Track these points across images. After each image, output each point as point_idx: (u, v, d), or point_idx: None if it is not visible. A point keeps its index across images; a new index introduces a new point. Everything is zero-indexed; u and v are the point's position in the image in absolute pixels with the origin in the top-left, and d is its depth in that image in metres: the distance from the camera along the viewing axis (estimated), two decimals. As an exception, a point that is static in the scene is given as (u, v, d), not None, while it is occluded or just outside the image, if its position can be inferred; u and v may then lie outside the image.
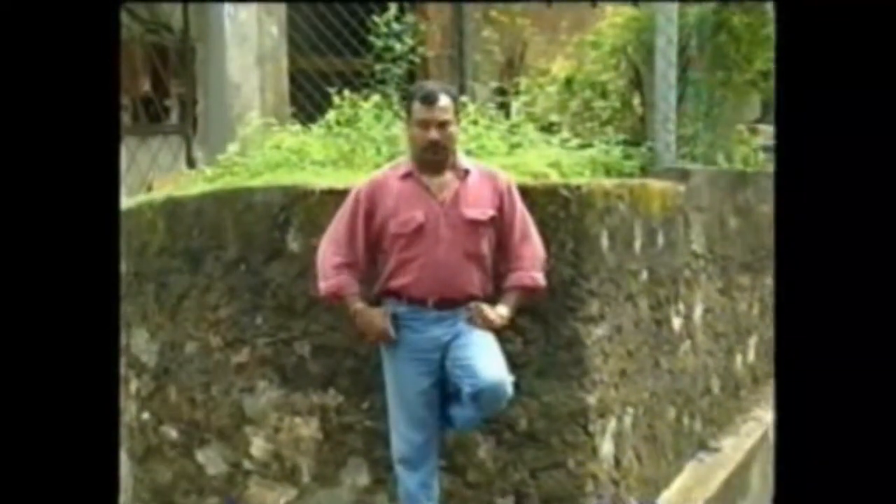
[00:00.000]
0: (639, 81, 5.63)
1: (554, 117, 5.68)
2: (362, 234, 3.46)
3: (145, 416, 4.17)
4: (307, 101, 6.08)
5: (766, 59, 5.60)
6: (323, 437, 3.86)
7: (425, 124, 3.40)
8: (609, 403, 3.96)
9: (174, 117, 7.33)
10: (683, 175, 4.91)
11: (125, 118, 6.94)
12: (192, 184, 4.64)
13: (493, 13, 7.49)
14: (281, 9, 7.10)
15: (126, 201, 4.29)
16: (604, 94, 5.75)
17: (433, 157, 3.43)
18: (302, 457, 3.88)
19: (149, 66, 7.09)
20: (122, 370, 4.20)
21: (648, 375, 4.39)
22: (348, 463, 3.85)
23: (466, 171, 3.48)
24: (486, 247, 3.46)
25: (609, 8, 6.07)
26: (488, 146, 4.49)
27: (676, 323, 4.72)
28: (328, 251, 3.51)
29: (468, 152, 3.93)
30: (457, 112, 3.51)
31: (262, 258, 3.88)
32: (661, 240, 4.51)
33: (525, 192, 3.64)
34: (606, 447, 3.93)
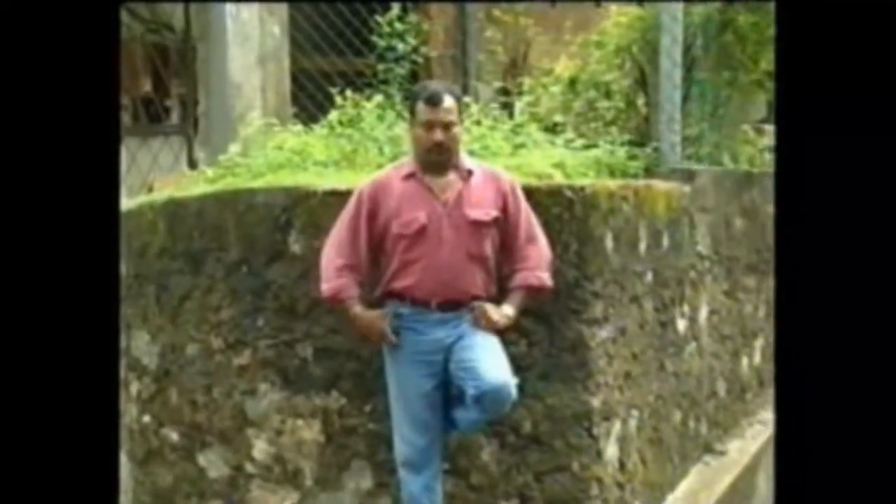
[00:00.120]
0: (643, 81, 5.62)
1: (558, 117, 5.67)
2: (365, 235, 3.46)
3: (146, 418, 4.18)
4: (309, 102, 6.09)
5: (771, 59, 5.58)
6: (325, 440, 3.86)
7: (430, 125, 3.39)
8: (613, 406, 3.95)
9: (175, 117, 7.34)
10: (688, 176, 4.90)
11: (125, 118, 6.95)
12: (193, 185, 4.64)
13: (497, 13, 7.49)
14: (283, 8, 7.10)
15: (127, 202, 4.29)
16: (608, 95, 5.74)
17: (437, 159, 3.43)
18: (304, 460, 3.88)
19: (149, 66, 7.10)
20: (123, 372, 4.20)
21: (653, 378, 4.39)
22: (351, 466, 3.85)
23: (470, 172, 3.48)
24: (489, 248, 3.46)
25: (613, 7, 6.07)
26: (492, 146, 4.48)
27: (681, 325, 4.71)
28: (330, 253, 3.51)
29: (471, 153, 3.93)
30: (460, 112, 3.51)
31: (264, 260, 3.88)
32: (665, 241, 4.51)
33: (529, 192, 3.63)
34: (611, 450, 3.93)
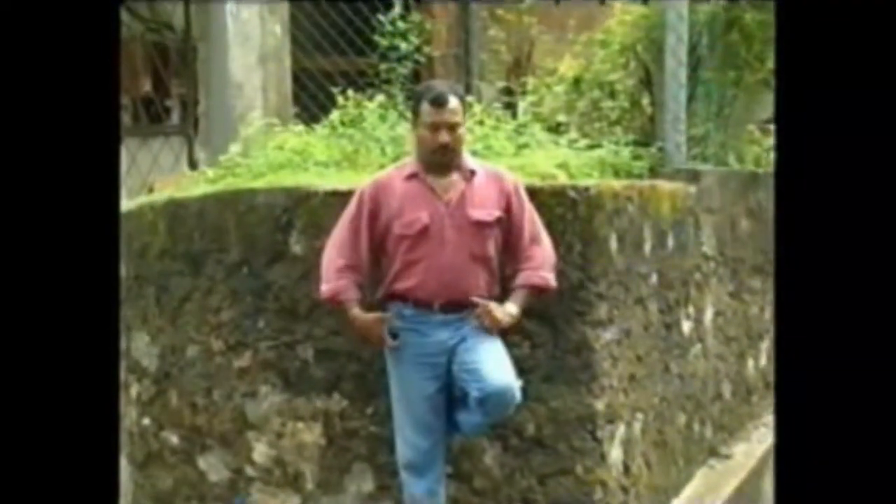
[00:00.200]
0: (648, 81, 5.62)
1: (562, 117, 5.67)
2: (366, 235, 3.46)
3: (146, 421, 4.18)
4: (310, 101, 6.09)
5: (778, 58, 5.59)
6: (326, 443, 3.86)
7: (435, 127, 3.39)
8: (618, 409, 3.95)
9: (175, 118, 7.34)
10: (694, 176, 4.90)
11: (125, 118, 6.95)
12: (193, 185, 4.64)
13: (500, 12, 7.49)
14: (284, 7, 7.11)
15: (127, 203, 4.29)
16: (612, 94, 5.74)
17: (442, 160, 3.43)
18: (305, 463, 3.88)
19: (150, 66, 7.10)
20: (123, 374, 4.20)
21: (658, 380, 4.38)
22: (352, 469, 3.85)
23: (473, 172, 3.48)
24: (492, 248, 3.46)
25: (618, 6, 6.06)
26: (495, 147, 4.48)
27: (687, 327, 4.71)
28: (331, 253, 3.51)
29: (474, 153, 3.93)
30: (464, 112, 3.52)
31: (265, 261, 3.88)
32: (671, 242, 4.51)
33: (532, 193, 3.63)
34: (615, 453, 3.93)
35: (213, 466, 4.01)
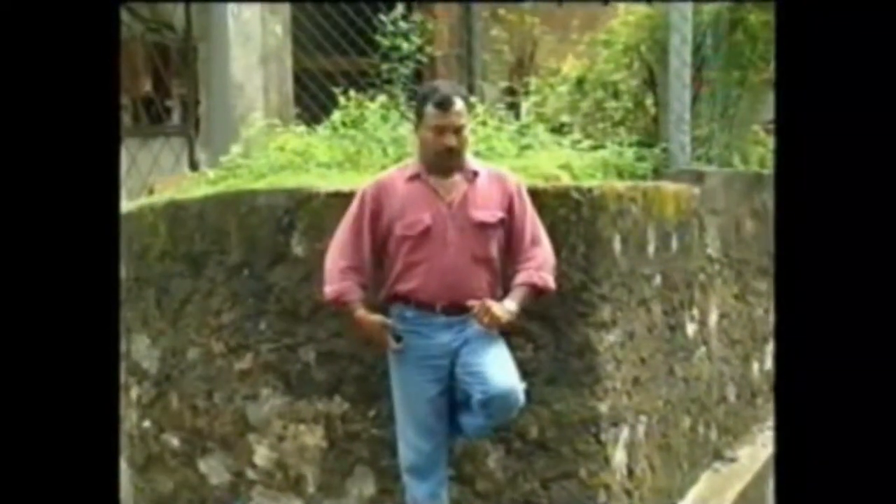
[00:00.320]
0: (652, 81, 5.62)
1: (565, 118, 5.67)
2: (368, 236, 3.46)
3: (146, 423, 4.18)
4: (312, 102, 6.09)
5: (783, 58, 5.58)
6: (328, 446, 3.86)
7: (441, 130, 3.38)
8: (622, 412, 3.95)
9: (176, 118, 7.35)
10: (698, 177, 4.90)
11: (126, 119, 6.96)
12: (194, 186, 4.65)
13: (503, 11, 7.50)
14: (285, 7, 7.12)
15: (127, 204, 4.30)
16: (616, 95, 5.74)
17: (447, 163, 3.43)
18: (307, 466, 3.88)
19: (150, 66, 7.11)
20: (123, 377, 4.20)
21: (662, 383, 4.38)
22: (354, 472, 3.85)
23: (475, 173, 3.48)
24: (494, 250, 3.46)
25: (621, 6, 6.06)
26: (497, 147, 4.48)
27: (691, 329, 4.71)
28: (334, 254, 3.51)
29: (477, 154, 3.93)
30: (468, 114, 3.51)
31: (266, 262, 3.88)
32: (675, 243, 4.51)
33: (535, 194, 3.63)
34: (619, 457, 3.92)
35: (213, 469, 4.01)
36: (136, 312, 4.18)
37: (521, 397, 3.41)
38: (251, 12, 6.88)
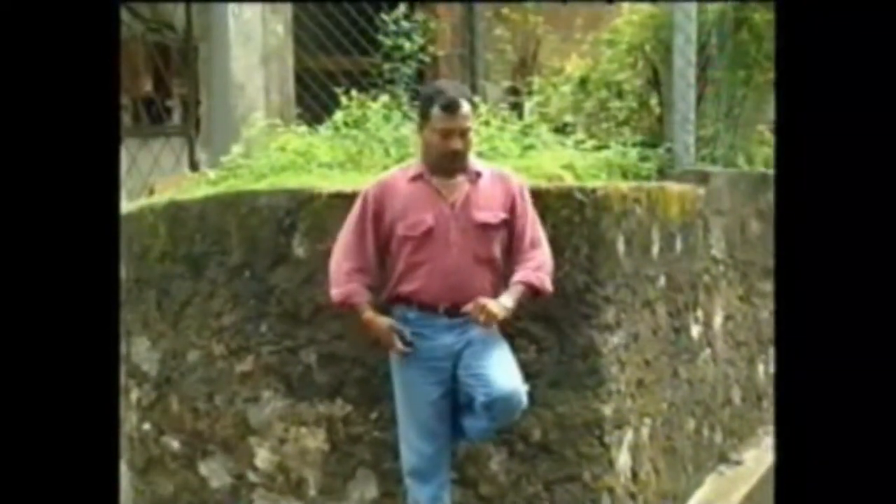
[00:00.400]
0: (656, 81, 5.62)
1: (568, 118, 5.67)
2: (372, 236, 3.46)
3: (146, 426, 4.18)
4: (313, 102, 6.10)
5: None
6: (330, 449, 3.86)
7: (447, 133, 3.38)
8: (626, 414, 3.95)
9: (176, 118, 7.35)
10: (703, 177, 4.89)
11: (126, 119, 6.97)
12: (194, 187, 4.65)
13: (506, 10, 7.50)
14: (287, 6, 7.12)
15: (127, 205, 4.30)
16: (620, 94, 5.74)
17: (452, 165, 3.42)
18: (308, 469, 3.88)
19: (150, 66, 7.12)
20: (123, 379, 4.20)
21: (666, 385, 4.38)
22: (356, 475, 3.85)
23: (478, 174, 3.47)
24: (497, 250, 3.45)
25: (625, 5, 6.06)
26: (500, 148, 4.48)
27: (695, 331, 4.71)
28: (339, 256, 3.51)
29: (480, 154, 3.93)
30: (473, 115, 3.51)
31: (267, 264, 3.88)
32: (679, 244, 4.50)
33: (538, 195, 3.63)
34: (623, 459, 3.92)
35: (214, 472, 4.01)
36: (136, 314, 4.18)
37: (524, 399, 3.41)
38: (252, 11, 6.88)
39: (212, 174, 4.80)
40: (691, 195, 4.67)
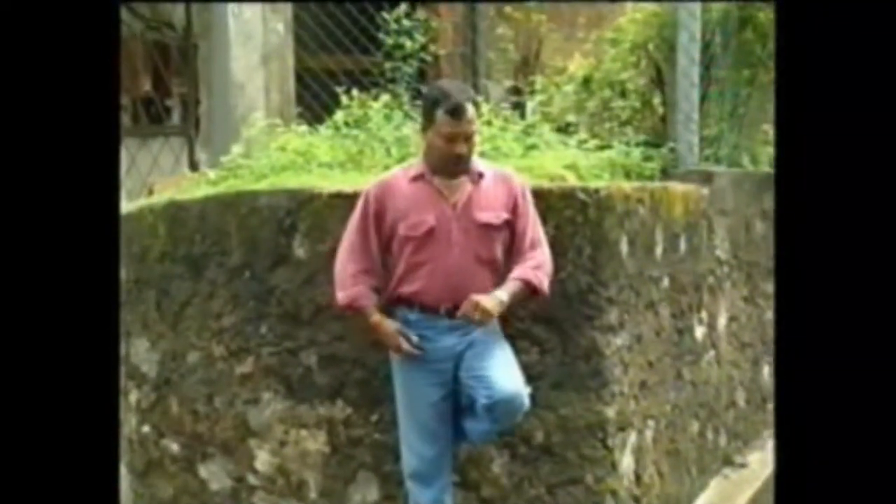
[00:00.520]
0: (660, 80, 5.62)
1: (571, 117, 5.68)
2: (374, 236, 3.46)
3: (145, 428, 4.19)
4: (314, 101, 6.10)
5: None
6: (330, 451, 3.87)
7: (452, 138, 3.37)
8: (629, 416, 3.95)
9: (176, 118, 7.36)
10: (707, 177, 4.90)
11: (125, 119, 6.98)
12: (194, 187, 4.66)
13: (508, 9, 7.50)
14: (287, 5, 7.13)
15: (126, 205, 4.30)
16: (623, 94, 5.74)
17: (456, 169, 3.43)
18: (309, 471, 3.88)
19: (150, 65, 7.13)
20: (122, 381, 4.21)
21: (670, 387, 4.38)
22: (357, 478, 3.86)
23: (480, 175, 3.48)
24: (499, 251, 3.46)
25: (629, 3, 6.06)
26: (503, 148, 4.49)
27: (699, 332, 4.71)
28: (343, 259, 3.50)
29: (482, 154, 3.93)
30: (477, 117, 3.51)
31: (268, 264, 3.89)
32: (683, 245, 4.51)
33: (541, 195, 3.64)
34: (626, 462, 3.93)
35: (214, 475, 4.02)
36: (135, 315, 4.19)
37: (527, 402, 3.41)
38: (252, 10, 6.89)
39: (211, 174, 4.81)
40: (695, 195, 4.67)
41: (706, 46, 5.25)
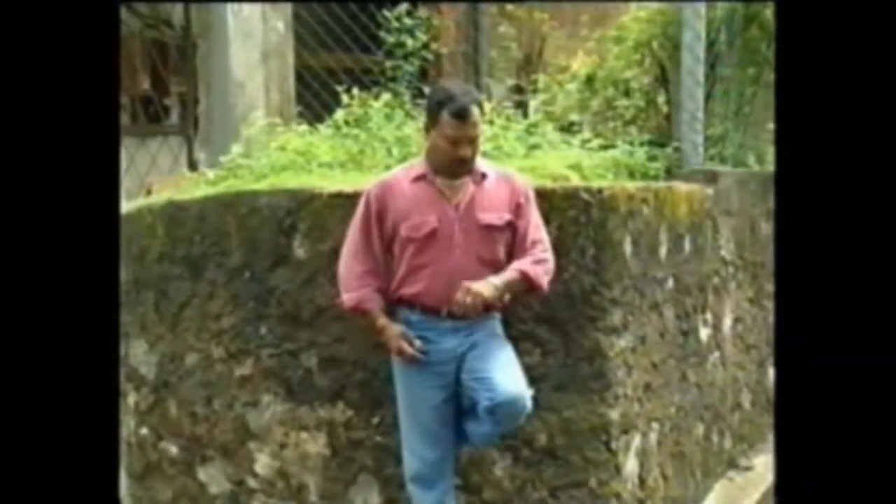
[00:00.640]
0: (664, 79, 5.63)
1: (574, 117, 5.68)
2: (377, 237, 3.46)
3: (144, 431, 4.19)
4: (314, 100, 6.11)
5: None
6: (331, 454, 3.87)
7: (457, 141, 3.36)
8: (633, 419, 3.95)
9: (175, 117, 7.37)
10: (711, 177, 4.90)
11: (124, 118, 6.99)
12: (193, 187, 4.66)
13: (510, 7, 7.51)
14: (287, 3, 7.14)
15: (125, 205, 4.31)
16: (627, 93, 5.74)
17: (459, 171, 3.43)
18: (309, 474, 3.89)
19: (148, 64, 7.14)
20: (120, 383, 4.21)
21: (675, 389, 4.38)
22: (358, 481, 3.86)
23: (483, 175, 3.48)
24: (501, 252, 3.46)
25: (633, 1, 6.06)
26: (505, 147, 4.49)
27: (704, 333, 4.71)
28: (347, 260, 3.50)
29: (484, 154, 3.93)
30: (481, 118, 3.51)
31: (267, 265, 3.89)
32: (687, 246, 4.51)
33: (544, 195, 3.64)
34: (630, 465, 3.93)
35: (213, 478, 4.02)
36: (134, 316, 4.19)
37: (529, 404, 3.41)
38: (252, 8, 6.90)
39: (211, 174, 4.81)
40: (700, 195, 4.67)
41: (711, 45, 5.25)
